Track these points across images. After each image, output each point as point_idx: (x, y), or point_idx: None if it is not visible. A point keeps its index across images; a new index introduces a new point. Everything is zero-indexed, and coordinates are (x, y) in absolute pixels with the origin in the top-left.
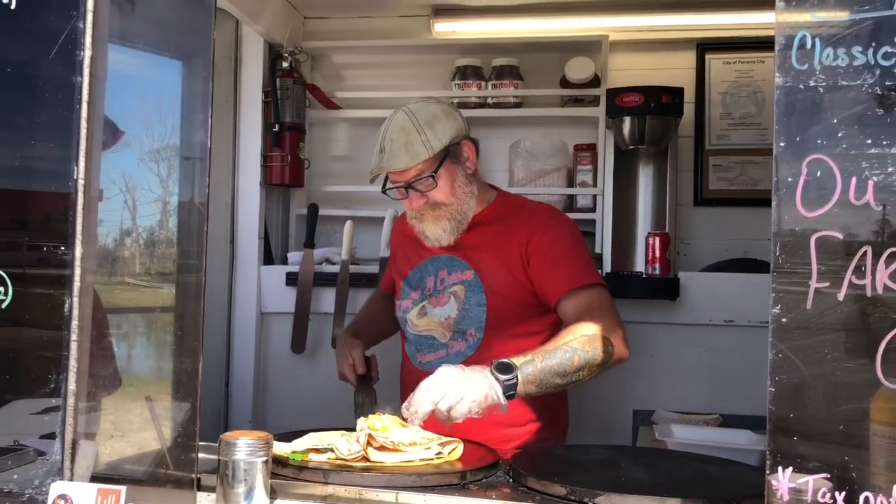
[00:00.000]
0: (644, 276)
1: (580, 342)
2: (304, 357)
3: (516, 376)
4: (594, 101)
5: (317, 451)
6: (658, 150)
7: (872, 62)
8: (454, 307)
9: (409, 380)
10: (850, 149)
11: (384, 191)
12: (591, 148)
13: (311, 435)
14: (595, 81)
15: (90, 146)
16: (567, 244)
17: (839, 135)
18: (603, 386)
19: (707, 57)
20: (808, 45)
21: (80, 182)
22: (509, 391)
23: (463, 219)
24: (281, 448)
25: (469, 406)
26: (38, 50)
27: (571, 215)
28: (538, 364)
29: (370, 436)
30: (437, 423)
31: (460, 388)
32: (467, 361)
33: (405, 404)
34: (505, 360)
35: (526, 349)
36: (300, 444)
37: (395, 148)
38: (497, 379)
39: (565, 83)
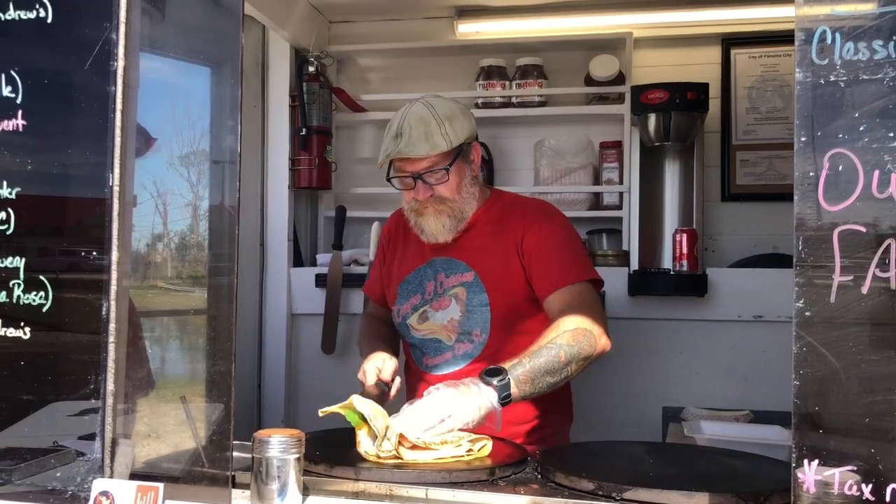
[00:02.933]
0: (672, 272)
1: (564, 338)
2: (334, 357)
3: (507, 378)
4: (619, 98)
5: (367, 425)
6: (684, 147)
7: (894, 55)
8: (457, 309)
9: (416, 383)
10: (872, 142)
11: (389, 178)
12: (617, 145)
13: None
14: (620, 79)
15: (124, 153)
16: (558, 241)
17: (861, 129)
18: (632, 383)
19: (732, 52)
20: (829, 40)
21: (116, 188)
22: (504, 393)
23: (462, 218)
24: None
25: (461, 425)
26: (74, 61)
27: (598, 213)
28: (526, 364)
29: (401, 435)
30: None
31: (450, 410)
32: (475, 362)
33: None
34: (492, 367)
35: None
36: (362, 406)
37: (414, 136)
38: (489, 384)
39: (590, 81)
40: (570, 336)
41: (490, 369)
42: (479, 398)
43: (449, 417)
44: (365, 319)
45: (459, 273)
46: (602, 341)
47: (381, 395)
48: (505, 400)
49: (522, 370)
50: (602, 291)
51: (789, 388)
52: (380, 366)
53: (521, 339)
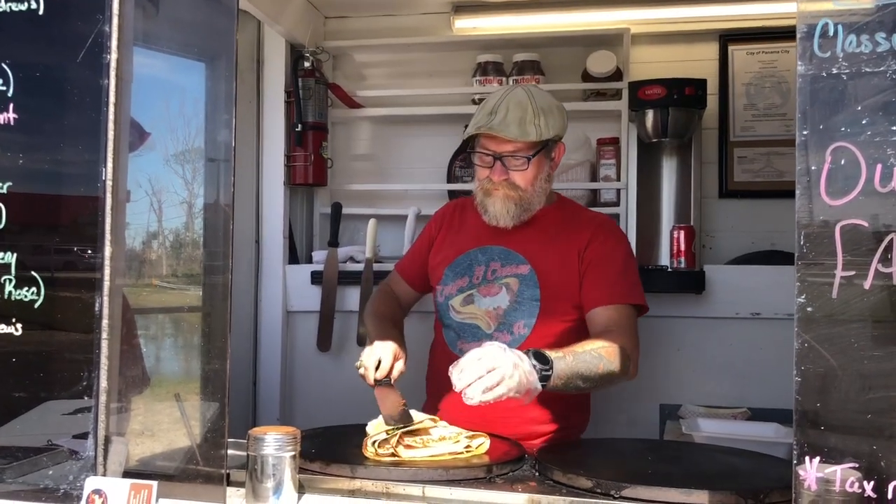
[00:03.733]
0: (669, 269)
1: (607, 352)
2: (330, 355)
3: (552, 368)
4: (616, 94)
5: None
6: (682, 143)
7: None
8: (505, 298)
9: (444, 367)
10: (875, 136)
11: (470, 151)
12: (615, 142)
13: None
14: (617, 75)
15: (118, 148)
16: (619, 257)
17: (863, 122)
18: (629, 380)
19: (730, 48)
20: (831, 33)
21: (109, 183)
22: (543, 381)
23: (529, 209)
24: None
25: (509, 388)
26: (66, 54)
27: (595, 209)
28: (569, 362)
29: (401, 437)
30: (465, 411)
31: (507, 368)
32: None
33: (453, 368)
34: (541, 352)
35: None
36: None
37: (509, 117)
38: (535, 367)
39: (587, 77)
40: (613, 352)
41: (539, 354)
42: (526, 369)
43: (496, 370)
44: (380, 296)
45: (515, 264)
46: (631, 370)
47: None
48: (542, 384)
49: (565, 365)
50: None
51: (787, 385)
52: (382, 356)
53: (557, 342)
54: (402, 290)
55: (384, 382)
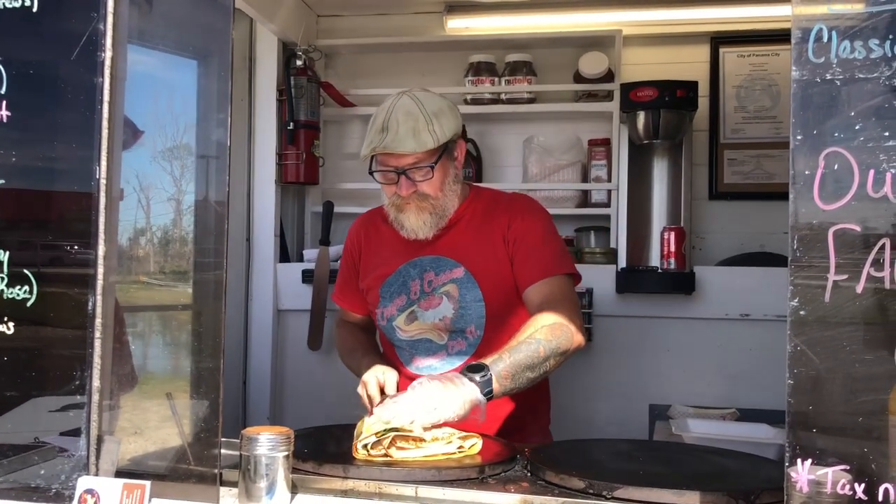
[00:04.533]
0: (659, 270)
1: (542, 333)
2: (321, 354)
3: (489, 373)
4: (608, 95)
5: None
6: (673, 145)
7: (890, 54)
8: (449, 307)
9: (405, 387)
10: (868, 141)
11: (371, 172)
12: (606, 143)
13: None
14: (609, 76)
15: (111, 146)
16: (540, 232)
17: (857, 127)
18: (619, 380)
19: (721, 50)
20: (825, 38)
21: (102, 181)
22: (486, 389)
23: (444, 215)
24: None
25: (447, 418)
26: (60, 51)
27: (586, 211)
28: (507, 360)
29: (394, 439)
30: None
31: (435, 403)
32: (470, 360)
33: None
34: (474, 363)
35: None
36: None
37: (401, 131)
38: (472, 380)
39: (579, 78)
40: (548, 331)
41: (472, 366)
42: (463, 392)
43: (434, 410)
44: (344, 331)
45: (448, 270)
46: (577, 337)
47: None
48: (487, 396)
49: (503, 366)
50: (590, 289)
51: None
52: (381, 377)
53: (514, 333)
54: (353, 319)
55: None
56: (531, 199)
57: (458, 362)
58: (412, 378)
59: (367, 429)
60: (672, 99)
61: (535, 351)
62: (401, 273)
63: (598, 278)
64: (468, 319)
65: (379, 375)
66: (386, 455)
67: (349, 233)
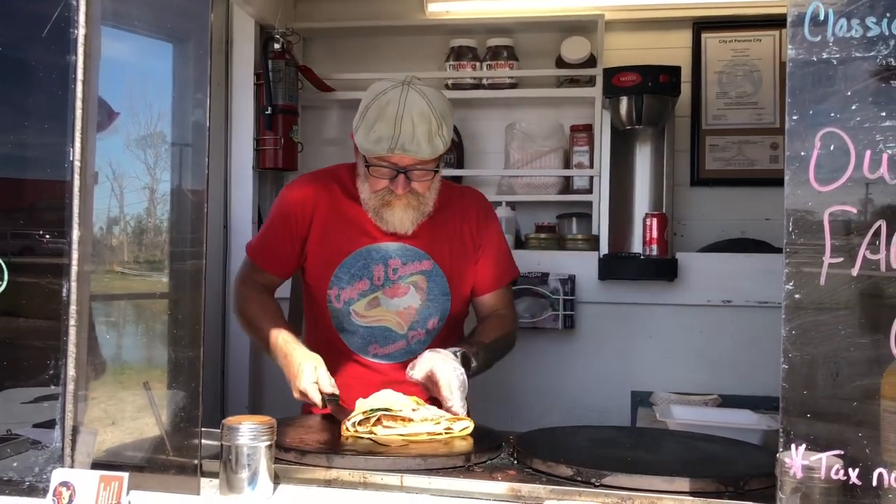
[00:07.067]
0: (641, 257)
1: (505, 342)
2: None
3: (472, 371)
4: (590, 81)
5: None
6: (655, 131)
7: (887, 33)
8: (416, 298)
9: (354, 374)
10: (864, 122)
11: (367, 166)
12: (588, 129)
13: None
14: (591, 61)
15: (86, 127)
16: (501, 238)
17: (853, 107)
18: (601, 367)
19: (703, 36)
20: (822, 17)
21: (77, 164)
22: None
23: (426, 212)
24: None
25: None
26: (31, 28)
27: (568, 197)
28: (480, 360)
29: (381, 417)
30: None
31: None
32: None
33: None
34: (464, 353)
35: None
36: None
37: (418, 134)
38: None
39: (561, 63)
40: (507, 337)
41: (465, 358)
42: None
43: (454, 369)
44: (252, 292)
45: (417, 261)
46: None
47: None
48: None
49: (476, 365)
50: (572, 276)
51: (757, 372)
52: (314, 378)
53: (461, 327)
54: (265, 280)
55: (333, 399)
56: (482, 195)
57: (418, 352)
58: (363, 364)
59: (359, 408)
60: (655, 84)
61: (502, 356)
62: (361, 255)
63: (581, 265)
64: (433, 312)
65: (312, 378)
66: (370, 432)
67: (297, 192)
